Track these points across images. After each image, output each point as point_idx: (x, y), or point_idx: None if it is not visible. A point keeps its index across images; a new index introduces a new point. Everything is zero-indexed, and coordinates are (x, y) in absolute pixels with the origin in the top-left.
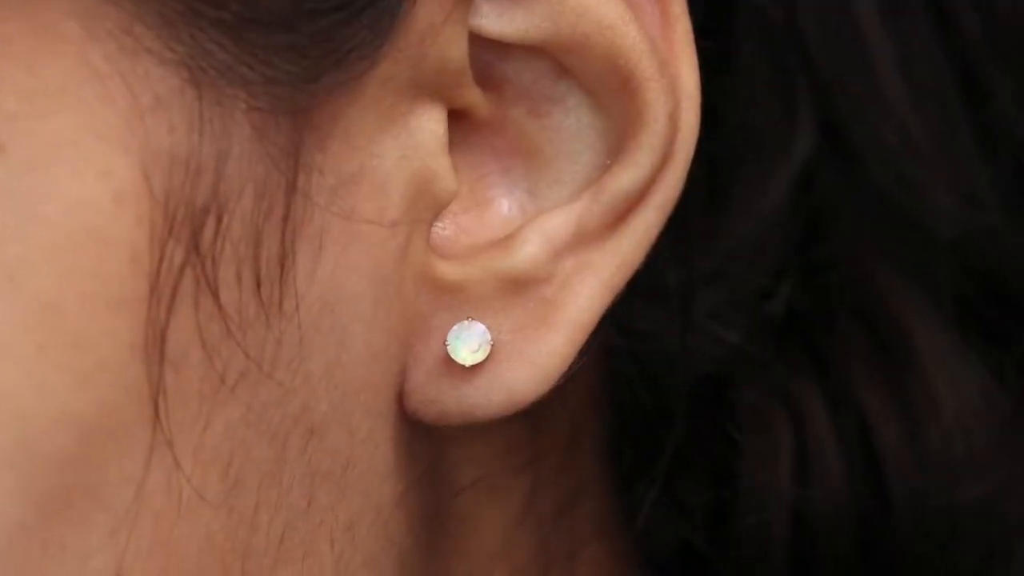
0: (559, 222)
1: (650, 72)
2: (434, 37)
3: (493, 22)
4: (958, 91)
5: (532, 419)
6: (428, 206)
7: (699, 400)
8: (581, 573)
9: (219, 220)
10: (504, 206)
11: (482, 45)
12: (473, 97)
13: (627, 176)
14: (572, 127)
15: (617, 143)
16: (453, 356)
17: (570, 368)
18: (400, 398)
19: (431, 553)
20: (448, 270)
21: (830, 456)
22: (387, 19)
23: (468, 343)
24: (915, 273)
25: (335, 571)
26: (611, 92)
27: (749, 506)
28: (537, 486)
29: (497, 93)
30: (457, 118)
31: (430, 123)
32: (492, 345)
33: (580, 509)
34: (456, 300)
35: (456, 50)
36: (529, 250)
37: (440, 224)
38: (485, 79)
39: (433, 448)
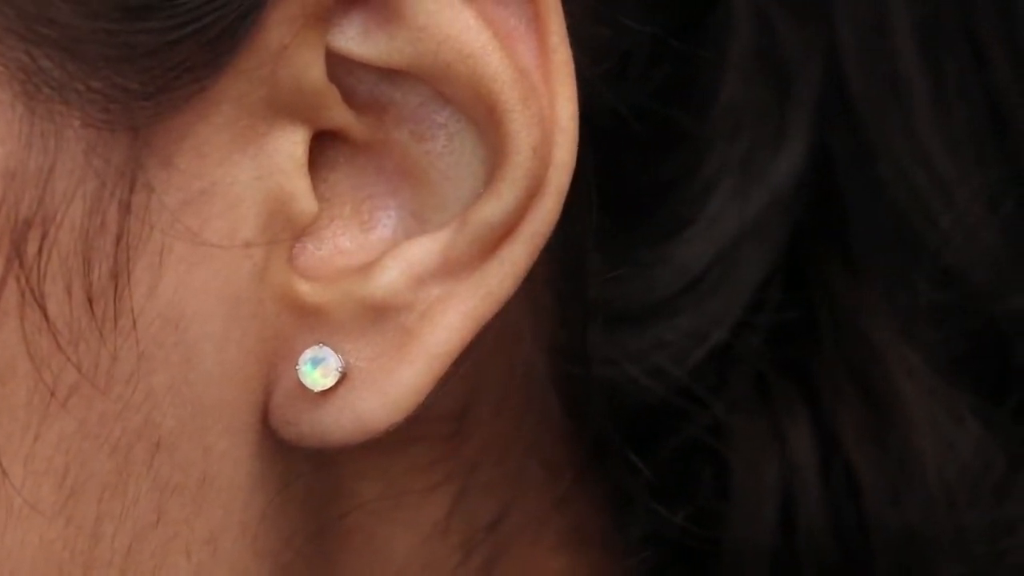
0: (422, 250)
1: (512, 103)
2: (287, 58)
3: (358, 44)
4: (990, 134)
5: (446, 439)
6: (285, 227)
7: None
8: None
9: (44, 233)
10: (388, 229)
11: (356, 67)
12: (344, 119)
13: (490, 208)
14: (456, 152)
15: (487, 174)
16: (302, 380)
17: (426, 399)
18: (265, 416)
19: (324, 566)
20: (309, 292)
21: (814, 500)
22: (227, 39)
23: (319, 367)
24: (908, 324)
25: None
26: (482, 121)
27: (730, 537)
28: (460, 500)
29: (379, 115)
30: (337, 139)
31: (288, 144)
32: (344, 372)
33: (522, 521)
34: (317, 323)
35: (313, 72)
36: (388, 276)
37: (314, 245)
38: (367, 100)
39: (316, 465)
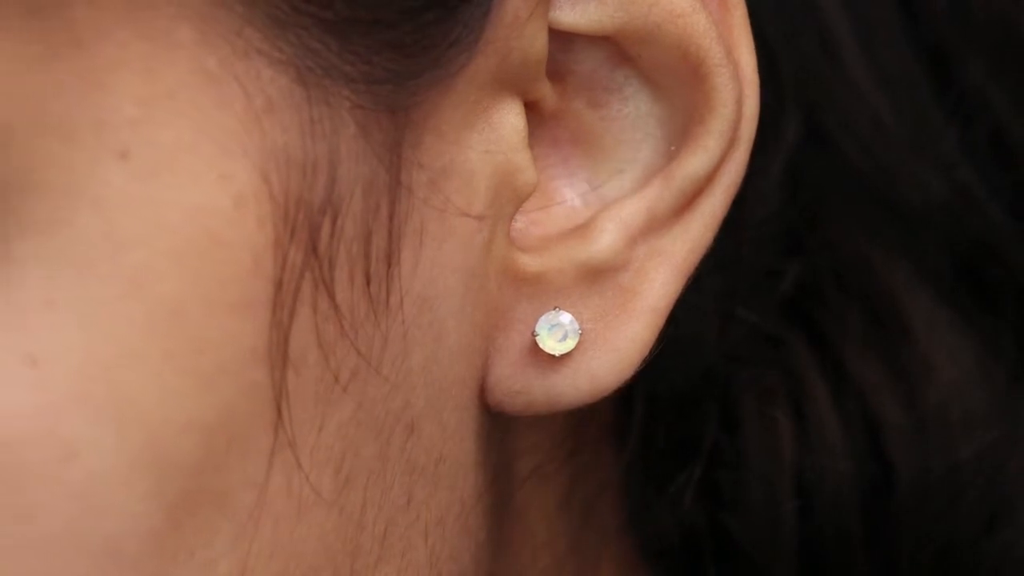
0: (632, 209)
1: (719, 59)
2: (520, 31)
3: (567, 14)
4: (927, 72)
5: (578, 411)
6: (511, 199)
7: (698, 392)
8: (606, 566)
9: (334, 220)
10: (567, 196)
11: (553, 37)
12: (545, 90)
13: (697, 161)
14: (631, 116)
15: (681, 129)
16: (541, 346)
17: (649, 354)
18: (482, 391)
19: (498, 545)
20: (528, 262)
21: (831, 430)
22: (479, 15)
23: (555, 333)
24: (903, 249)
25: (428, 565)
26: (677, 80)
27: (755, 484)
28: (576, 478)
29: (561, 84)
30: (527, 111)
31: (511, 117)
32: (580, 334)
33: (606, 502)
34: (536, 291)
35: (538, 44)
36: (607, 239)
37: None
38: (552, 71)
39: (504, 441)
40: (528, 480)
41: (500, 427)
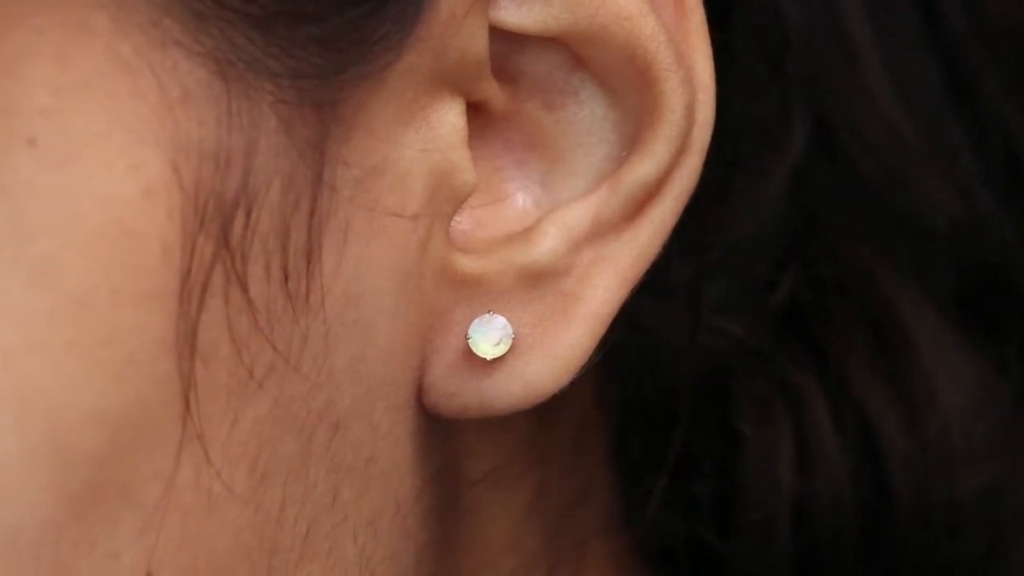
0: (578, 214)
1: (668, 63)
2: (456, 29)
3: (512, 14)
4: (945, 85)
5: (540, 415)
6: (448, 199)
7: (702, 394)
8: (588, 568)
9: (248, 213)
10: (519, 199)
11: (499, 38)
12: (490, 90)
13: (644, 167)
14: (586, 119)
15: (632, 135)
16: (474, 350)
17: (589, 361)
18: (419, 392)
19: (444, 546)
20: (467, 263)
21: (831, 447)
22: (412, 11)
23: (489, 337)
24: (911, 266)
25: (358, 566)
26: (627, 83)
27: (752, 498)
28: (545, 481)
29: (512, 86)
30: (473, 111)
31: (450, 116)
32: (513, 338)
33: (588, 505)
34: (475, 294)
35: (477, 42)
36: (549, 243)
37: (458, 218)
38: (501, 72)
39: (448, 442)
40: (481, 483)
41: (444, 429)
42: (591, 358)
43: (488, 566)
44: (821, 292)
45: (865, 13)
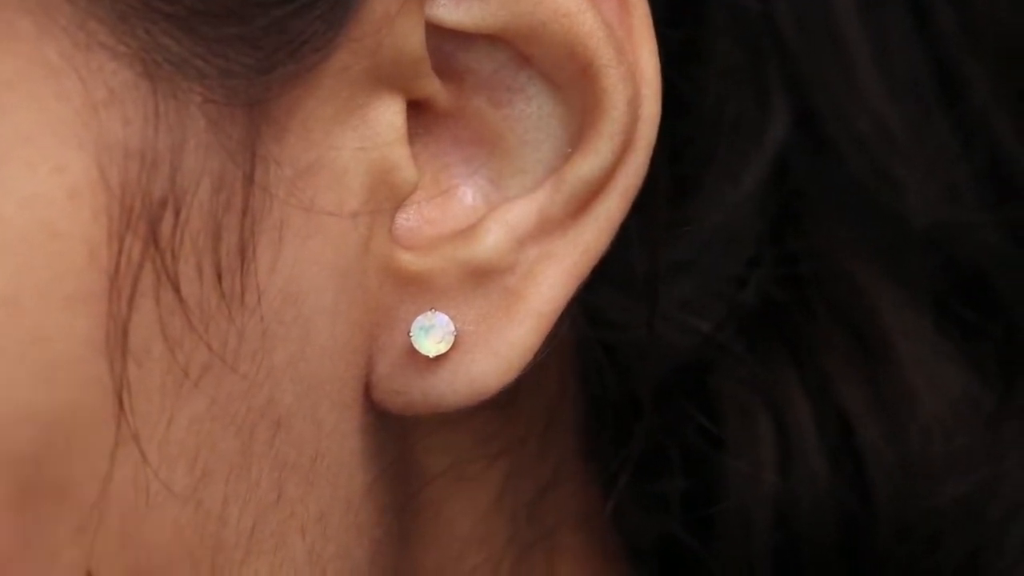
0: (521, 211)
1: (608, 59)
2: (390, 27)
3: (450, 12)
4: (934, 83)
5: (504, 409)
6: (388, 197)
7: (676, 390)
8: (558, 562)
9: (177, 213)
10: (468, 195)
11: (441, 35)
12: (432, 87)
13: (588, 164)
14: (533, 116)
15: (577, 132)
16: (417, 347)
17: (535, 357)
18: (367, 389)
19: (402, 541)
20: (411, 260)
21: (810, 448)
22: (340, 10)
23: (432, 334)
24: (892, 267)
25: (307, 562)
26: (570, 80)
27: (730, 498)
28: (511, 475)
29: (457, 83)
30: (418, 108)
31: (388, 114)
32: (456, 336)
33: (555, 498)
34: (419, 291)
35: (413, 40)
36: (491, 240)
37: (404, 215)
38: (445, 69)
39: (401, 438)
40: (440, 477)
41: (396, 425)
42: (537, 354)
43: (453, 560)
44: (800, 291)
45: (855, 7)
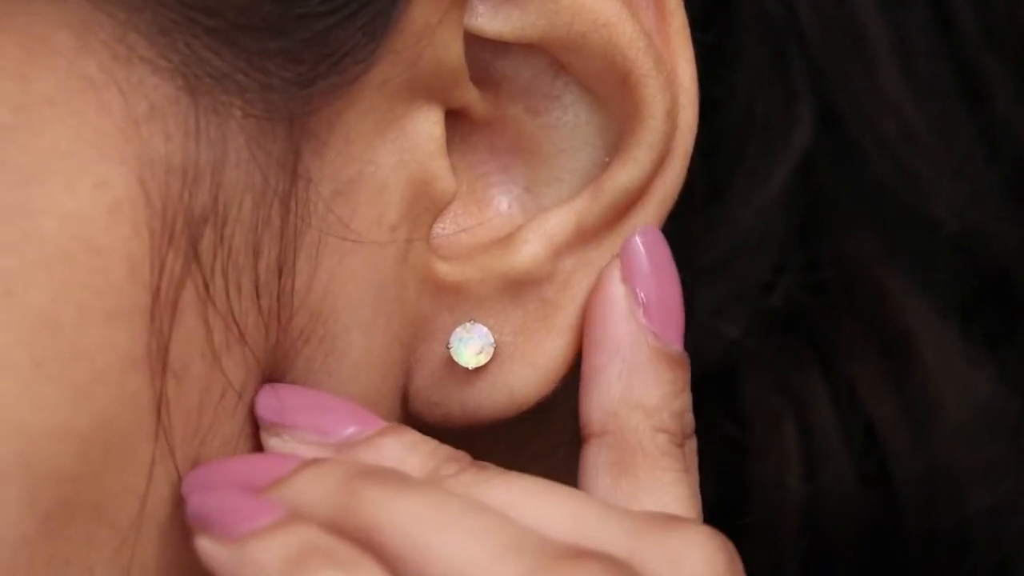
0: (559, 221)
1: (647, 68)
2: (430, 38)
3: (488, 21)
4: (957, 85)
5: (536, 416)
6: (427, 208)
7: (701, 397)
8: None
9: (218, 229)
10: (504, 204)
11: (478, 44)
12: (470, 97)
13: (626, 173)
14: (570, 124)
15: (616, 140)
16: (456, 359)
17: (572, 368)
18: (404, 401)
19: None
20: (448, 271)
21: (837, 454)
22: (381, 21)
23: (471, 346)
24: (918, 272)
25: None
26: (609, 89)
27: (757, 503)
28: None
29: (494, 91)
30: (455, 118)
31: (427, 125)
32: (495, 347)
33: None
34: (457, 301)
35: (452, 50)
36: (529, 250)
37: (440, 224)
38: (482, 78)
39: None
40: None
41: (439, 435)
42: (574, 365)
43: None
44: (826, 296)
45: (879, 9)
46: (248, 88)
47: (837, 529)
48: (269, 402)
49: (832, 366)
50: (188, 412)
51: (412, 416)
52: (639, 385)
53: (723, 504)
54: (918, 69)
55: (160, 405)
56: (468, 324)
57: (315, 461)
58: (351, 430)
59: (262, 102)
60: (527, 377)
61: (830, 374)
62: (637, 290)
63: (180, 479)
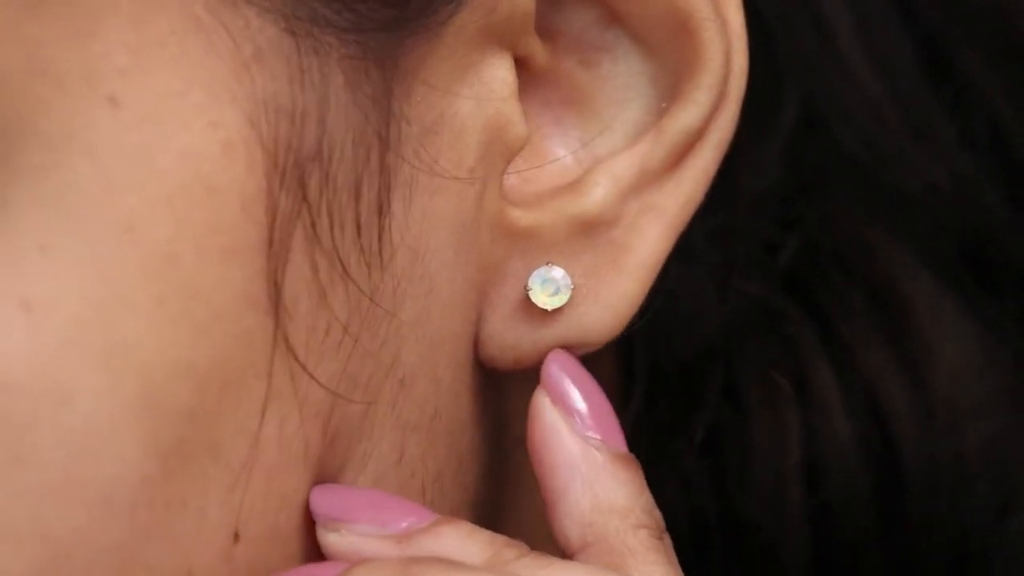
0: (625, 164)
1: (707, 13)
2: None
3: None
4: (921, 60)
5: None
6: (501, 153)
7: (699, 362)
8: None
9: (324, 169)
10: (559, 154)
11: None
12: (534, 45)
13: (688, 115)
14: (622, 75)
15: (671, 86)
16: (534, 300)
17: (640, 309)
18: (475, 347)
19: (492, 506)
20: (520, 216)
21: (838, 418)
22: None
23: (547, 287)
24: (903, 232)
25: None
26: (665, 36)
27: (760, 468)
28: None
29: (551, 44)
30: (516, 68)
31: (500, 71)
32: (571, 289)
33: None
34: (529, 246)
35: None
36: (599, 193)
37: (507, 173)
38: (540, 29)
39: (497, 400)
40: (522, 445)
41: (496, 387)
42: (647, 317)
43: (533, 531)
44: (818, 258)
45: None
46: (345, 28)
47: (840, 486)
48: (324, 499)
49: (827, 324)
50: (296, 351)
51: (483, 362)
52: (604, 491)
53: (725, 472)
54: (879, 46)
55: (274, 344)
56: (545, 267)
57: (367, 559)
58: (408, 522)
59: (358, 43)
60: (599, 317)
61: (826, 333)
62: (570, 409)
63: (288, 418)
